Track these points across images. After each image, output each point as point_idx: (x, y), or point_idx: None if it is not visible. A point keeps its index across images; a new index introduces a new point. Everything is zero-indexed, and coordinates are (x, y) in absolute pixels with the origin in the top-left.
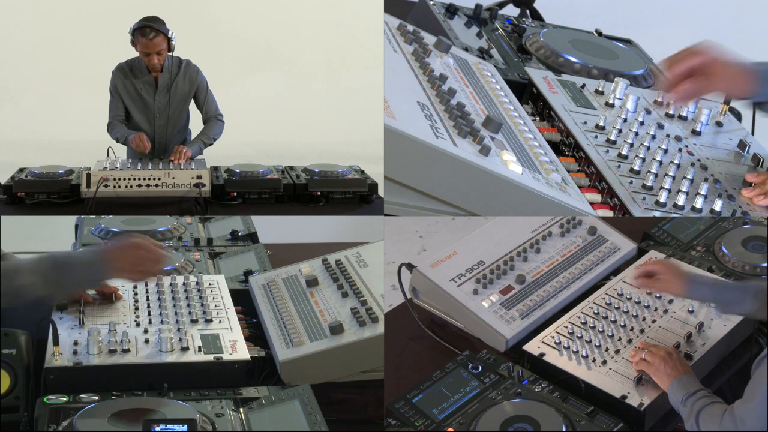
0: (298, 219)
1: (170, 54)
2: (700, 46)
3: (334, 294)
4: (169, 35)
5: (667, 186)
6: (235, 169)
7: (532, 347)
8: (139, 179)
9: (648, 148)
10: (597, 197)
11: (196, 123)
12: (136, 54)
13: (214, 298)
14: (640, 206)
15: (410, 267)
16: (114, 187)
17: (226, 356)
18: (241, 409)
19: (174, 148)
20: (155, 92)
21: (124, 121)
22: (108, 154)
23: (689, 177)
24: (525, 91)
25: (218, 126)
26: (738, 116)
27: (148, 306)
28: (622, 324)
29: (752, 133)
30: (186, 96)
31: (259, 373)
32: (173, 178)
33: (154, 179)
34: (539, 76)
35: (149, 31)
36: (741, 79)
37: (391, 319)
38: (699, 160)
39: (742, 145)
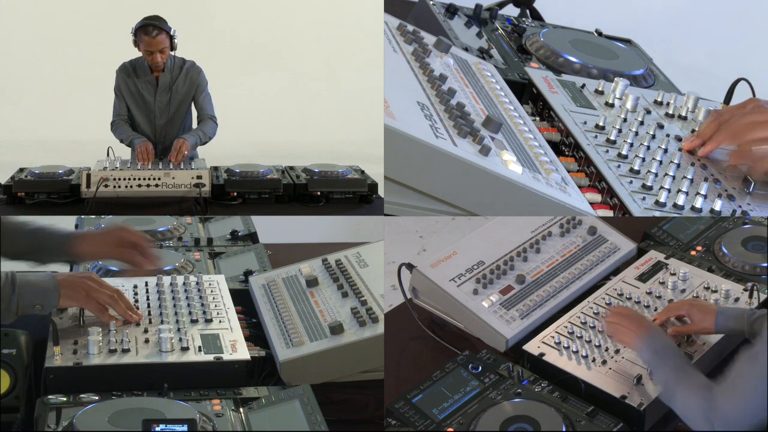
0: (298, 219)
1: (173, 54)
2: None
3: (334, 294)
4: (172, 33)
5: (667, 186)
6: (235, 169)
7: (532, 347)
8: (139, 179)
9: (648, 147)
10: (597, 197)
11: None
12: (138, 54)
13: (214, 298)
14: (640, 206)
15: (410, 267)
16: (114, 187)
17: (226, 356)
18: (241, 409)
19: (173, 142)
20: (156, 92)
21: (127, 121)
22: (108, 154)
23: (689, 177)
24: (525, 91)
25: (212, 126)
26: None
27: (148, 306)
28: None
29: None
30: (187, 96)
31: (259, 373)
32: (173, 178)
33: (154, 179)
34: (539, 76)
35: (152, 29)
36: None
37: (391, 319)
38: (699, 159)
39: None
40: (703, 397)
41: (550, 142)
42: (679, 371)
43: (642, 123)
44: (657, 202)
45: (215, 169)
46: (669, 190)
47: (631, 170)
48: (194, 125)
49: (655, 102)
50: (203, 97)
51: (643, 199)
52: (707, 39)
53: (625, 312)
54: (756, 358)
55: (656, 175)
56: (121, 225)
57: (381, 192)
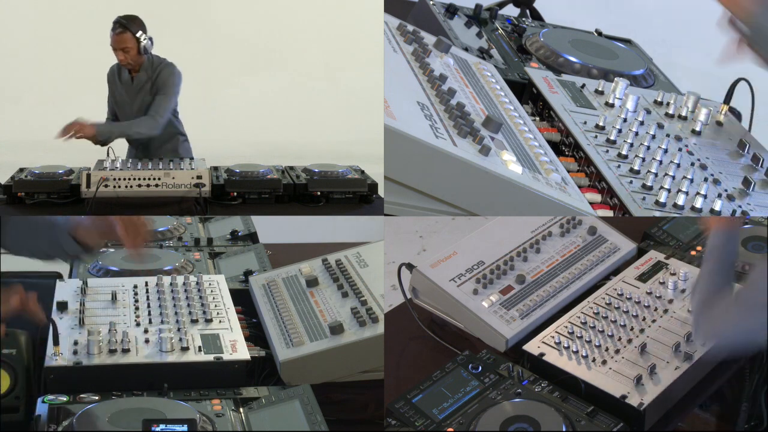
0: (298, 219)
1: (153, 54)
2: None
3: (334, 294)
4: (138, 35)
5: (667, 186)
6: (235, 169)
7: (532, 347)
8: (139, 179)
9: (648, 147)
10: (597, 197)
11: (188, 124)
12: None
13: (214, 298)
14: (640, 206)
15: (410, 267)
16: (114, 187)
17: (226, 356)
18: (241, 409)
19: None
20: (132, 93)
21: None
22: (108, 154)
23: (689, 177)
24: (525, 91)
25: (146, 122)
26: (738, 116)
27: (148, 306)
28: (622, 324)
29: (749, 129)
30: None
31: (259, 373)
32: (173, 178)
33: (154, 179)
34: (539, 76)
35: (117, 26)
36: None
37: (391, 319)
38: (699, 160)
39: (741, 144)
40: (701, 303)
41: (550, 142)
42: (714, 278)
43: (642, 123)
44: (657, 202)
45: (215, 169)
46: (669, 190)
47: (631, 170)
48: (179, 125)
49: (655, 102)
50: (159, 96)
51: (643, 199)
52: (707, 39)
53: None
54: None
55: (656, 175)
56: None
57: (381, 192)
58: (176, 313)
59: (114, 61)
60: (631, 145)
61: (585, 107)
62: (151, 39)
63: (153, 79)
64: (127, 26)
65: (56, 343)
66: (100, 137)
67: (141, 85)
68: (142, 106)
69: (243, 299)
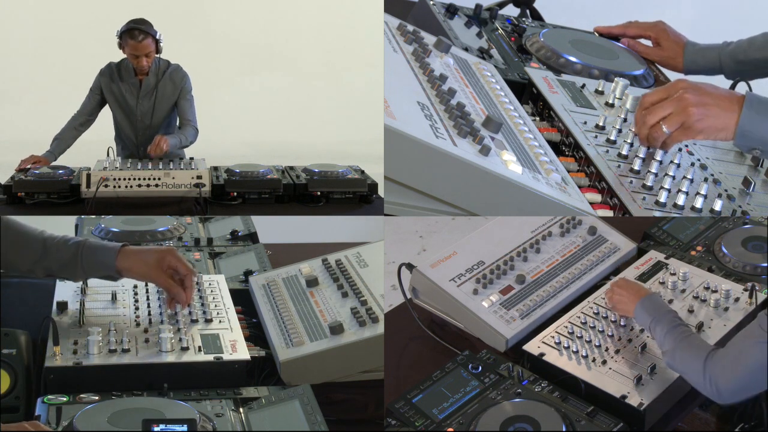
0: (298, 219)
1: (158, 56)
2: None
3: (334, 294)
4: (157, 37)
5: (667, 186)
6: (235, 169)
7: (532, 347)
8: (139, 179)
9: (648, 147)
10: (597, 197)
11: None
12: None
13: (214, 298)
14: (640, 206)
15: (410, 267)
16: (114, 187)
17: (226, 356)
18: (241, 409)
19: (155, 138)
20: (139, 95)
21: (83, 124)
22: (108, 154)
23: (689, 177)
24: (525, 91)
25: (192, 133)
26: None
27: (148, 306)
28: (622, 324)
29: None
30: (170, 100)
31: (259, 373)
32: (173, 178)
33: (154, 179)
34: (539, 76)
35: (137, 33)
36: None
37: (391, 319)
38: (699, 160)
39: None
40: (703, 359)
41: (550, 142)
42: (676, 333)
43: None
44: (657, 202)
45: (215, 169)
46: (669, 190)
47: (631, 170)
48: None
49: None
50: (186, 102)
51: (643, 199)
52: (706, 39)
53: (621, 283)
54: (755, 339)
55: (656, 175)
56: (169, 248)
57: (381, 192)
58: (176, 313)
59: (108, 60)
60: (631, 145)
61: (585, 107)
62: (161, 38)
63: (164, 83)
64: (147, 31)
65: (56, 343)
66: (173, 148)
67: (149, 89)
68: (148, 110)
69: (243, 299)
